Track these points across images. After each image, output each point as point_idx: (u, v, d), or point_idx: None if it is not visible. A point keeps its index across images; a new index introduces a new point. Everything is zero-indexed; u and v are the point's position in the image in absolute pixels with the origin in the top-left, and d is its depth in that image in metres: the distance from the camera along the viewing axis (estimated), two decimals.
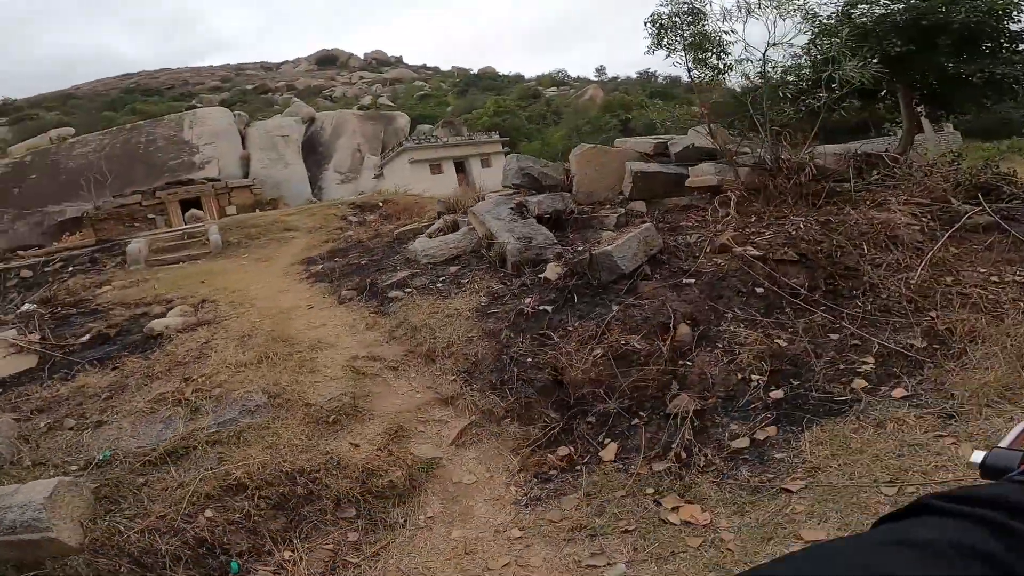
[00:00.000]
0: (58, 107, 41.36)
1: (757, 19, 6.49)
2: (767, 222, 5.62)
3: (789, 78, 7.09)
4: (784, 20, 6.51)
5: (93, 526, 2.74)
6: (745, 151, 6.89)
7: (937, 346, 3.49)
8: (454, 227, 7.50)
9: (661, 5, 6.56)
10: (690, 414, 3.10)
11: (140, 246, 10.28)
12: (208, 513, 2.83)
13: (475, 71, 64.51)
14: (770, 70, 6.90)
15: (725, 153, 6.60)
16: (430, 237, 7.24)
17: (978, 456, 0.67)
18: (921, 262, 4.52)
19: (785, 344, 3.67)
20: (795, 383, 3.30)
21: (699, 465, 2.77)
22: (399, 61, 67.93)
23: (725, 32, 6.49)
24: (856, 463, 2.53)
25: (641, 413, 3.30)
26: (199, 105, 34.87)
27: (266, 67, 62.98)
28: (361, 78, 54.30)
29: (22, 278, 9.61)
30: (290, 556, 2.70)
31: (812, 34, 9.22)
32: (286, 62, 65.80)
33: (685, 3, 6.45)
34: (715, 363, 3.54)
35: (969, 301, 3.90)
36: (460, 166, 23.05)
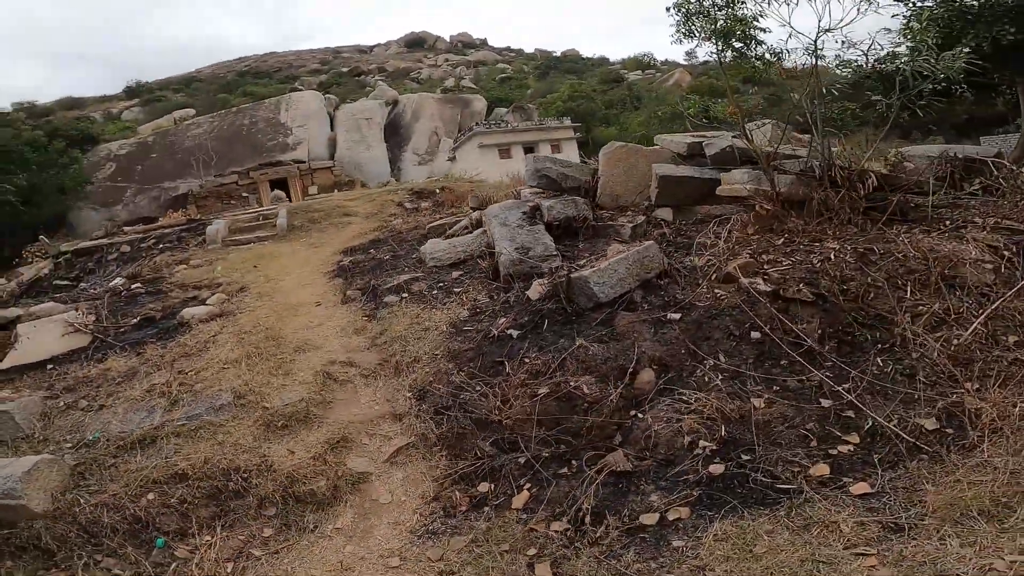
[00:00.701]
0: (182, 89, 46.35)
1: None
2: (795, 247, 4.91)
3: (841, 71, 6.15)
4: (842, 1, 5.53)
5: (62, 497, 3.20)
6: (799, 155, 6.18)
7: (950, 432, 2.90)
8: (478, 226, 7.54)
9: None
10: (616, 475, 2.94)
11: (218, 227, 11.35)
12: (150, 496, 3.20)
13: (557, 53, 63.26)
14: (825, 60, 6.02)
15: (761, 158, 5.83)
16: (448, 237, 7.35)
17: None
18: (981, 314, 3.68)
19: (762, 405, 3.20)
20: (745, 458, 2.91)
21: (594, 535, 2.60)
22: (483, 43, 68.23)
23: (759, 16, 5.72)
24: (745, 572, 2.24)
25: (573, 463, 3.15)
26: (300, 87, 37.39)
27: (360, 50, 66.01)
28: (447, 60, 55.27)
29: (122, 252, 11.01)
30: (208, 541, 2.99)
31: (905, 19, 7.97)
32: (378, 45, 68.47)
33: None
34: (667, 419, 3.20)
35: (1020, 372, 3.16)
36: (530, 151, 22.95)
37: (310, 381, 4.21)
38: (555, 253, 5.43)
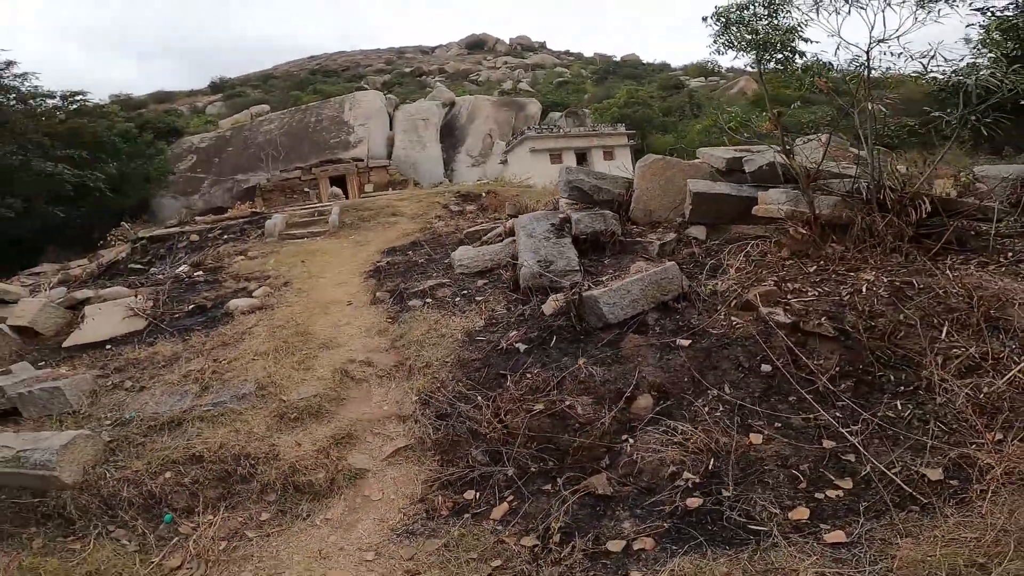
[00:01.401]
0: (260, 85, 49.22)
1: (862, 7, 5.10)
2: (827, 276, 4.65)
3: (917, 81, 5.66)
4: (895, 9, 4.97)
5: (92, 471, 3.56)
6: (848, 175, 5.83)
7: (954, 484, 2.71)
8: (511, 234, 7.62)
9: None
10: (596, 497, 2.94)
11: (276, 221, 12.04)
12: (167, 474, 3.50)
13: (617, 58, 62.26)
14: (878, 71, 5.61)
15: (800, 177, 5.42)
16: (481, 244, 7.48)
17: None
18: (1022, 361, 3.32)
19: (759, 442, 3.09)
20: (725, 494, 2.81)
21: (558, 555, 2.61)
22: (542, 46, 68.28)
23: (802, 24, 5.40)
24: None
25: (558, 480, 3.16)
26: (366, 87, 38.82)
27: (423, 51, 67.69)
28: (505, 63, 55.78)
29: (191, 241, 11.89)
30: (209, 520, 3.25)
31: (982, 28, 7.33)
32: (439, 46, 69.98)
33: None
34: (655, 448, 3.16)
35: None
36: (582, 157, 22.82)
37: (328, 377, 4.43)
38: (577, 268, 5.42)
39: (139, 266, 10.98)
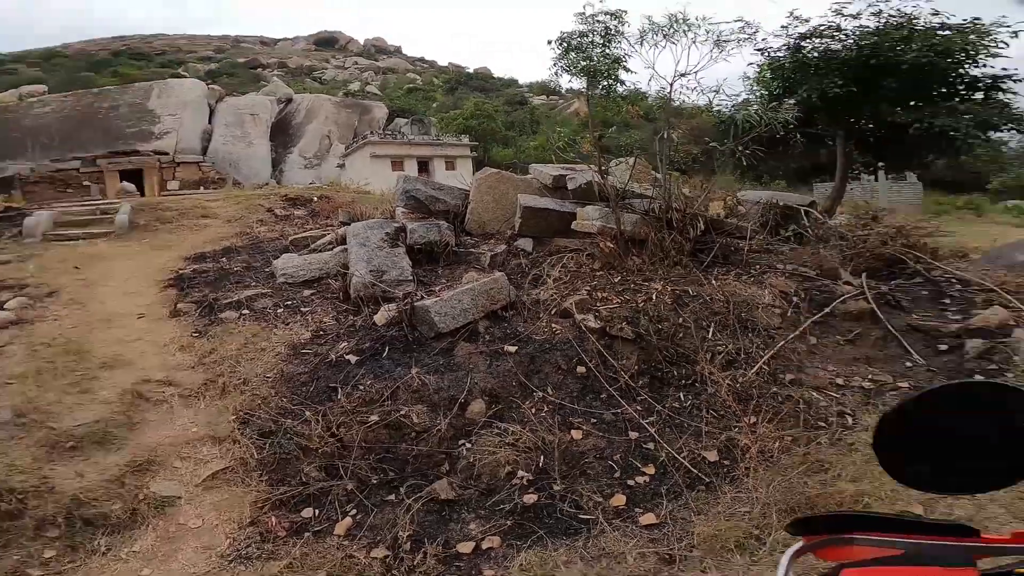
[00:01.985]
0: (41, 64, 40.23)
1: (674, 44, 5.96)
2: (627, 286, 5.30)
3: (707, 114, 6.69)
4: (699, 47, 5.90)
5: None
6: (648, 195, 6.61)
7: (727, 463, 3.29)
8: (343, 242, 7.38)
9: (575, 22, 6.14)
10: (440, 503, 3.03)
11: (39, 219, 9.92)
12: None
13: (470, 70, 64.50)
14: (676, 103, 6.35)
15: (611, 196, 6.15)
16: (312, 251, 7.13)
17: None
18: (765, 354, 4.23)
19: (579, 437, 3.46)
20: (556, 488, 3.10)
21: (411, 563, 2.66)
22: (397, 50, 67.73)
23: (626, 56, 6.10)
24: None
25: (401, 490, 3.19)
26: (185, 74, 34.26)
27: (264, 42, 62.29)
28: (355, 64, 53.99)
29: None
30: None
31: (759, 68, 8.73)
32: (285, 39, 65.10)
33: (600, 22, 6.03)
34: (491, 450, 3.34)
35: (788, 408, 3.65)
36: (424, 166, 22.98)
37: (114, 400, 3.82)
38: (410, 278, 5.47)
39: None
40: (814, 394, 3.85)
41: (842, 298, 5.14)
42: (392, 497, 3.13)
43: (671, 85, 6.03)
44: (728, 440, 3.44)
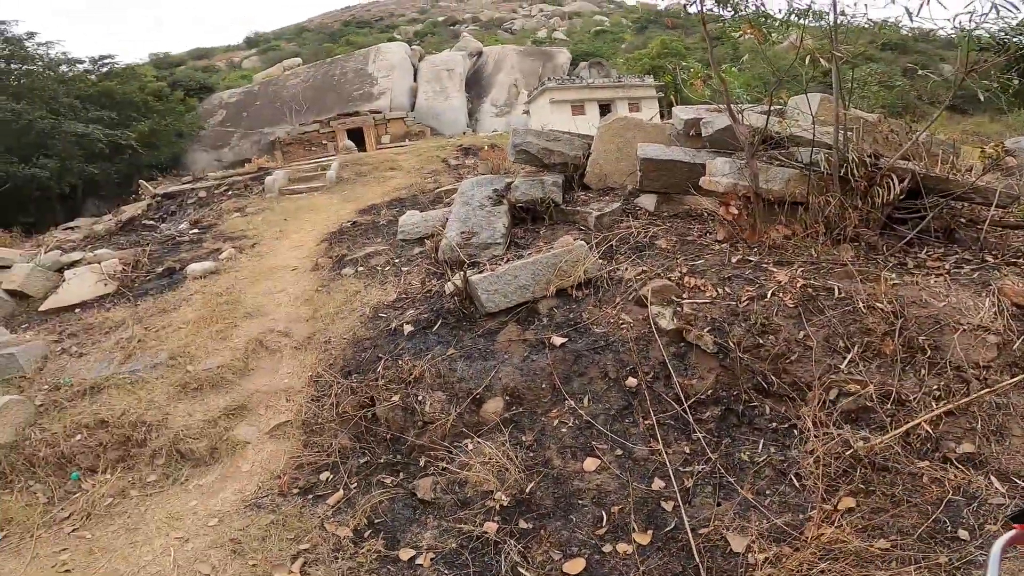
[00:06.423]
0: (295, 39, 49.17)
1: None
2: (744, 270, 4.00)
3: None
4: None
5: (22, 432, 4.02)
6: (820, 142, 4.76)
7: (751, 562, 2.46)
8: None
9: None
10: (419, 500, 2.99)
11: (277, 177, 12.31)
12: (78, 437, 3.90)
13: (661, 6, 57.30)
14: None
15: (745, 143, 4.69)
16: (445, 205, 7.43)
17: None
18: (935, 408, 2.67)
19: (591, 469, 2.86)
20: (522, 525, 2.69)
21: (355, 550, 2.74)
22: None
23: None
24: None
25: (400, 475, 3.20)
26: (398, 37, 38.06)
27: None
28: (541, 11, 52.91)
29: (199, 198, 12.43)
30: (105, 479, 3.64)
31: None
32: None
33: None
34: (487, 459, 3.01)
35: (925, 498, 2.40)
36: (606, 108, 21.70)
37: (241, 348, 4.68)
38: (500, 241, 5.23)
39: (152, 222, 11.65)
40: (990, 482, 2.44)
41: None
42: (389, 480, 3.18)
43: None
44: (786, 525, 2.41)
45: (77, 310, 6.02)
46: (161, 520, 3.26)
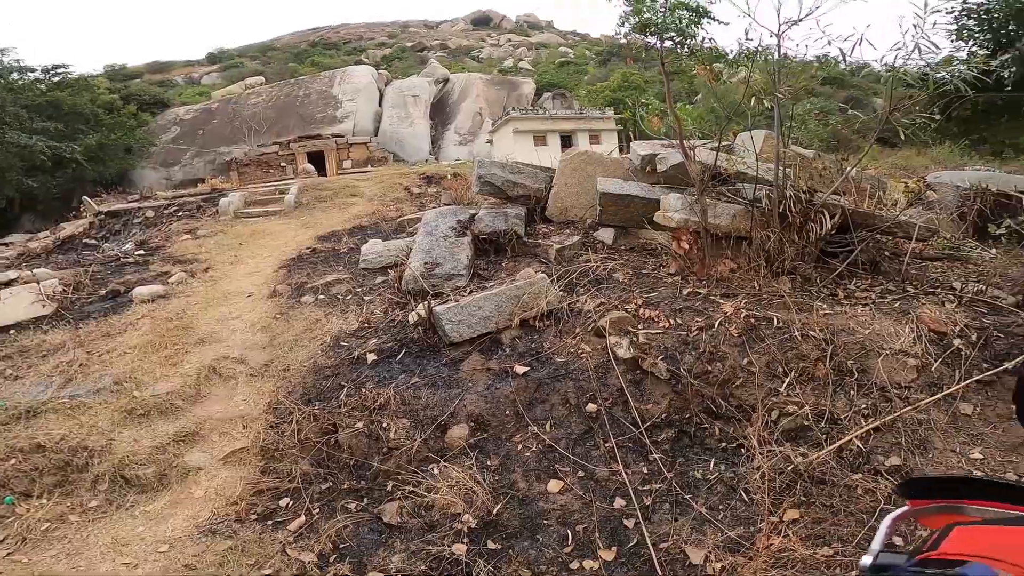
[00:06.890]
0: (259, 56, 48.80)
1: None
2: (695, 301, 4.32)
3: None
4: None
5: None
6: (763, 179, 5.05)
7: (712, 568, 2.56)
8: None
9: None
10: (386, 525, 3.00)
11: (232, 199, 12.05)
12: (12, 461, 3.66)
13: (623, 40, 61.01)
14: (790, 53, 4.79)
15: (696, 180, 4.99)
16: (407, 235, 7.51)
17: (867, 560, 0.85)
18: (862, 427, 3.02)
19: (555, 491, 3.00)
20: (490, 546, 2.75)
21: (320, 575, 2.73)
22: (549, 25, 67.44)
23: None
24: None
25: (364, 500, 3.20)
26: (365, 60, 38.37)
27: (428, 25, 66.95)
28: (508, 40, 55.03)
29: (146, 217, 12.00)
30: (41, 504, 3.42)
31: (954, 17, 6.77)
32: (445, 21, 69.18)
33: None
34: (453, 483, 3.07)
35: (862, 504, 2.69)
36: (567, 140, 22.56)
37: (192, 375, 4.56)
38: (463, 272, 5.37)
39: (93, 242, 11.14)
40: None
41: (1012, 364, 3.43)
42: (353, 506, 3.18)
43: (778, 31, 4.58)
44: (739, 537, 2.62)
45: (12, 331, 5.69)
46: (105, 545, 3.11)
